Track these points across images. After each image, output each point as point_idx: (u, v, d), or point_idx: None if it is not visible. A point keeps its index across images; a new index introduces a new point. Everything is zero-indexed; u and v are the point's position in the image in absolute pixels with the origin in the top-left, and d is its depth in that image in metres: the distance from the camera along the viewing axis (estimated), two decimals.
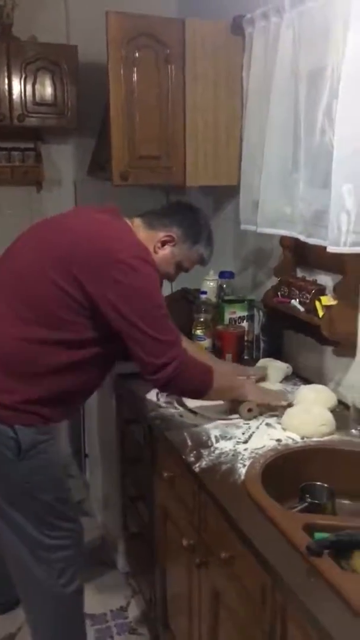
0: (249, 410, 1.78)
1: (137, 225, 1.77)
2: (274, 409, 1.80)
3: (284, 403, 1.80)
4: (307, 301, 1.90)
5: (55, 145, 3.07)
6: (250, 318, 2.35)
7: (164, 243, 1.78)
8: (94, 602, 2.30)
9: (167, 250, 1.79)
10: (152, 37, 2.16)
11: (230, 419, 1.78)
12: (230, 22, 2.22)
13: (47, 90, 2.72)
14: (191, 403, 1.85)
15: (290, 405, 1.79)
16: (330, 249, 1.64)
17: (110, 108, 2.17)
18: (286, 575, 1.13)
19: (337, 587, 1.06)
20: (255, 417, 1.78)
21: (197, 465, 1.53)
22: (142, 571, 2.19)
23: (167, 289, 3.08)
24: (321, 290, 1.90)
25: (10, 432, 1.64)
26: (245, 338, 2.32)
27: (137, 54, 2.16)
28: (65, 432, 3.33)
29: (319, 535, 1.21)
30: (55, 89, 2.73)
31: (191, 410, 1.83)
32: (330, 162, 1.61)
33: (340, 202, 1.60)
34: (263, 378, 2.03)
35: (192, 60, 2.22)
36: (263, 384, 2.01)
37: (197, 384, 1.70)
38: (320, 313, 1.82)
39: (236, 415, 1.79)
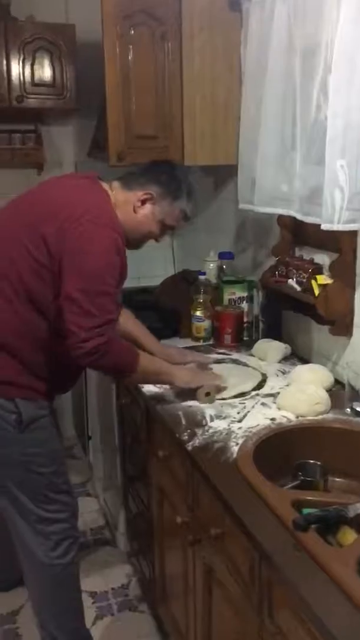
0: (207, 394, 1.75)
1: (115, 188, 1.77)
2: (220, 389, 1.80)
3: (218, 382, 1.80)
4: (304, 280, 1.89)
5: (56, 127, 3.06)
6: (250, 299, 2.33)
7: (143, 202, 1.75)
8: (96, 580, 2.34)
9: (147, 209, 1.76)
10: (147, 13, 2.13)
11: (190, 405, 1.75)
12: None
13: (46, 70, 2.71)
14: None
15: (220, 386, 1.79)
16: (325, 226, 1.62)
17: (106, 87, 2.16)
18: (273, 550, 1.14)
19: (320, 561, 1.07)
20: (212, 401, 1.75)
21: (190, 443, 1.54)
22: (142, 550, 2.22)
23: (170, 270, 3.09)
24: (318, 269, 1.88)
25: (11, 405, 1.67)
26: (245, 319, 2.32)
27: (132, 32, 2.14)
28: (69, 413, 3.37)
29: (306, 511, 1.21)
30: (54, 70, 2.71)
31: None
32: (325, 139, 1.59)
33: (334, 178, 1.58)
34: (205, 365, 1.98)
35: (189, 37, 2.19)
36: (261, 363, 2.01)
37: (120, 363, 1.68)
38: (317, 292, 1.81)
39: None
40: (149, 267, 2.95)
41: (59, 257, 1.60)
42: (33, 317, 1.67)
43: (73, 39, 2.71)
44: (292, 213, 1.87)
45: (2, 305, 1.67)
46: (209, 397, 1.76)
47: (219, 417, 1.67)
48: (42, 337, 1.69)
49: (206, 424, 1.63)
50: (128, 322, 1.99)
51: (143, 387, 1.88)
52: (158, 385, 1.87)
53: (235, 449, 1.49)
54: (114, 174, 2.33)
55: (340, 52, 1.53)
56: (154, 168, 1.81)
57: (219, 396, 1.78)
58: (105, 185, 1.77)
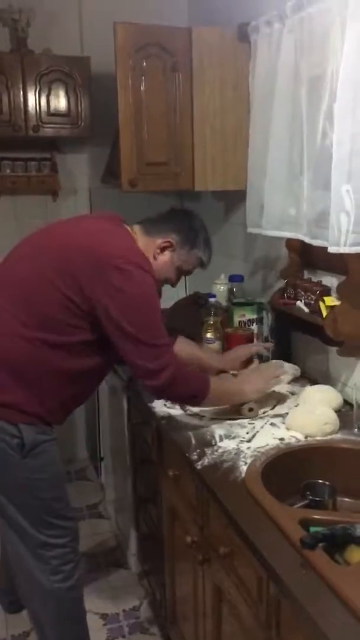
0: (250, 409, 1.81)
1: (136, 232, 1.82)
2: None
3: (284, 371, 1.92)
4: (312, 302, 1.92)
5: (71, 155, 3.15)
6: (260, 321, 2.36)
7: (163, 249, 1.82)
8: (107, 602, 2.34)
9: (166, 255, 1.83)
10: (159, 46, 2.21)
11: (235, 418, 1.80)
12: (236, 30, 2.25)
13: (61, 101, 2.80)
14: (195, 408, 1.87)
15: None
16: (331, 249, 1.65)
17: (119, 116, 2.23)
18: (280, 568, 1.15)
19: (328, 579, 1.08)
20: (256, 415, 1.81)
21: (199, 463, 1.56)
22: (153, 571, 2.22)
23: (181, 292, 3.13)
24: (326, 291, 1.91)
25: (14, 430, 1.69)
26: (255, 340, 2.34)
27: (144, 63, 2.21)
28: (82, 436, 3.39)
29: (314, 529, 1.23)
30: (69, 100, 2.81)
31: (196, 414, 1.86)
32: (331, 164, 1.63)
33: (340, 202, 1.61)
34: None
35: (199, 68, 2.27)
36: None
37: (193, 389, 1.73)
38: (324, 313, 1.84)
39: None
40: (162, 291, 2.98)
41: (96, 297, 1.63)
42: (48, 345, 1.69)
43: (88, 71, 2.80)
44: (300, 236, 1.91)
45: (16, 331, 1.69)
46: (252, 412, 1.82)
47: (228, 437, 1.69)
48: (56, 365, 1.71)
49: (215, 444, 1.65)
50: (183, 346, 2.02)
51: (154, 408, 1.91)
52: (168, 405, 1.91)
53: (244, 468, 1.51)
54: (127, 201, 2.43)
55: (345, 80, 1.57)
56: (174, 216, 1.88)
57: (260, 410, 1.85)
58: (128, 228, 1.82)
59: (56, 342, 1.69)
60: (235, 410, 1.83)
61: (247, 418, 1.80)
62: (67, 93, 2.79)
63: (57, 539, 1.79)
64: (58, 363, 1.71)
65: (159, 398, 1.86)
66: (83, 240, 1.72)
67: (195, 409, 1.86)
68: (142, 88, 2.23)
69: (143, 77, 2.22)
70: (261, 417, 1.82)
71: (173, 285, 1.93)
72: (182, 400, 1.82)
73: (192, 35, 2.25)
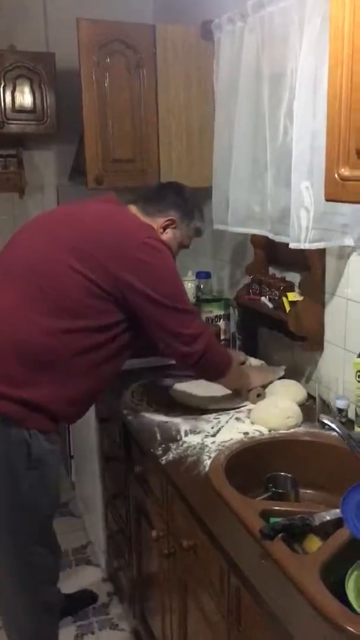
0: (258, 395, 1.87)
1: (135, 214, 1.79)
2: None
3: (281, 373, 1.98)
4: (276, 298, 1.94)
5: (37, 152, 3.12)
6: (227, 317, 2.39)
7: (165, 227, 1.81)
8: None
9: (169, 233, 1.82)
10: (122, 42, 2.21)
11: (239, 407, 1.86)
12: (200, 28, 2.26)
13: (26, 97, 2.77)
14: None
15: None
16: (292, 245, 1.68)
17: (83, 113, 2.22)
18: (240, 559, 1.17)
19: (285, 568, 1.10)
20: (263, 398, 1.88)
21: (164, 458, 1.57)
22: (122, 568, 2.22)
23: None
24: (289, 287, 1.94)
25: (25, 434, 1.60)
26: (222, 336, 2.36)
27: (108, 60, 2.21)
28: None
29: (273, 520, 1.25)
30: (34, 96, 2.78)
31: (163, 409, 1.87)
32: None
33: (300, 199, 1.64)
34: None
35: (163, 65, 2.27)
36: None
37: (225, 360, 1.77)
38: (287, 309, 1.86)
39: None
40: None
41: (123, 275, 1.61)
42: (68, 333, 1.62)
43: (53, 67, 2.78)
44: (264, 233, 1.93)
45: (34, 321, 1.62)
46: (260, 397, 1.87)
47: (193, 432, 1.71)
48: (76, 354, 1.64)
49: (181, 439, 1.67)
50: None
51: (121, 405, 1.92)
52: (135, 402, 1.91)
53: (208, 462, 1.52)
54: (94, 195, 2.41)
55: (303, 79, 1.60)
56: (167, 192, 1.85)
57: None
58: (130, 210, 1.80)
59: (75, 328, 1.62)
60: (241, 396, 1.89)
61: (253, 403, 1.85)
62: (32, 89, 2.76)
63: (42, 557, 1.74)
64: (77, 352, 1.63)
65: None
66: (98, 222, 1.70)
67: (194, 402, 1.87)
68: (106, 84, 2.23)
69: (107, 74, 2.22)
70: (226, 412, 1.83)
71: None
72: (214, 370, 1.77)
73: (156, 32, 2.25)
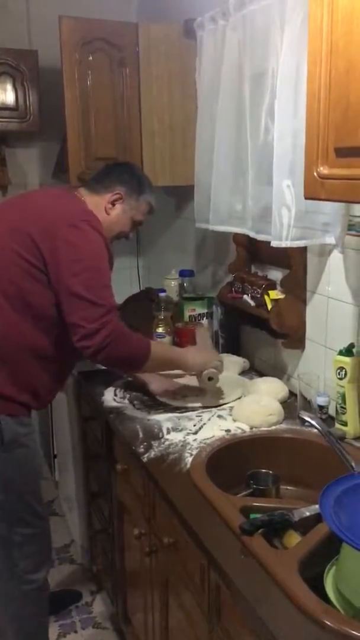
0: (210, 379, 1.85)
1: (84, 194, 1.84)
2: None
3: (220, 361, 1.91)
4: (258, 296, 1.95)
5: (20, 149, 3.10)
6: (210, 315, 2.39)
7: (113, 203, 1.84)
8: None
9: (117, 209, 1.85)
10: (105, 41, 2.21)
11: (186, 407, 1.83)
12: (183, 26, 2.27)
13: (9, 95, 2.75)
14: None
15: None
16: (274, 243, 1.69)
17: (66, 110, 2.22)
18: (220, 555, 1.17)
19: (264, 563, 1.10)
20: (214, 386, 1.86)
21: (145, 455, 1.57)
22: (105, 566, 2.22)
23: (135, 288, 3.13)
24: (271, 285, 1.95)
25: None
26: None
27: (91, 58, 2.21)
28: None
29: (253, 516, 1.25)
30: (16, 94, 2.76)
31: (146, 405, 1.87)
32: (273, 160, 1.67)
33: (282, 197, 1.65)
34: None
35: (146, 63, 2.27)
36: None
37: (133, 352, 1.70)
38: (269, 306, 1.87)
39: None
40: (116, 287, 2.97)
41: (50, 253, 1.65)
42: (28, 324, 1.68)
43: (35, 64, 2.76)
44: (246, 231, 1.94)
45: None
46: (212, 381, 1.85)
47: (175, 429, 1.71)
48: (38, 345, 1.71)
49: (162, 437, 1.67)
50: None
51: (103, 403, 1.92)
52: (118, 400, 1.91)
53: (190, 460, 1.53)
54: None
55: (284, 78, 1.61)
56: (113, 169, 1.90)
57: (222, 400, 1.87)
58: (75, 194, 1.85)
59: (29, 314, 1.67)
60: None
61: (208, 389, 1.85)
62: (14, 87, 2.75)
63: (30, 538, 1.75)
64: (36, 336, 1.69)
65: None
66: (37, 203, 1.78)
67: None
68: (88, 82, 2.22)
69: (89, 72, 2.22)
70: (209, 410, 1.84)
71: (127, 237, 1.95)
72: (122, 362, 1.76)
73: (139, 30, 2.25)
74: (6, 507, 1.71)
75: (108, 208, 1.84)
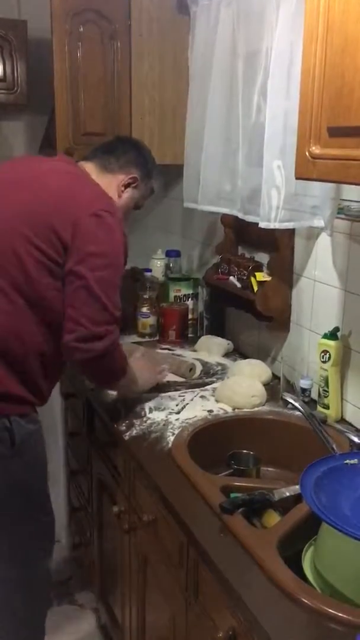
0: (190, 369, 1.90)
1: (92, 171, 1.65)
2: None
3: (165, 369, 1.88)
4: (245, 278, 1.95)
5: (7, 122, 3.03)
6: (195, 296, 2.38)
7: (127, 186, 1.68)
8: None
9: (129, 192, 1.69)
10: (96, 12, 2.15)
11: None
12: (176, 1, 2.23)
13: None
14: None
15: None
16: (262, 224, 1.67)
17: (54, 83, 2.17)
18: (199, 533, 1.18)
19: (243, 542, 1.11)
20: (194, 375, 1.92)
21: (127, 434, 1.57)
22: (83, 544, 2.23)
23: None
24: (258, 267, 1.94)
25: (6, 422, 1.50)
26: (190, 316, 2.36)
27: (81, 29, 2.15)
28: None
29: (234, 495, 1.26)
30: (4, 64, 2.69)
31: None
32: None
33: (271, 178, 1.63)
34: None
35: (138, 38, 2.22)
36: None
37: (118, 369, 1.58)
38: (255, 289, 1.87)
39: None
40: None
41: (71, 245, 1.46)
42: (38, 321, 1.50)
43: (24, 35, 2.69)
44: (234, 212, 1.92)
45: (3, 307, 1.48)
46: (192, 371, 1.90)
47: (158, 409, 1.71)
48: (46, 345, 1.53)
49: (145, 415, 1.66)
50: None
51: (85, 380, 1.90)
52: None
53: (171, 439, 1.53)
54: None
55: (278, 57, 1.58)
56: (126, 147, 1.72)
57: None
58: (87, 171, 1.65)
59: (30, 305, 1.48)
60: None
61: (189, 379, 1.87)
62: (2, 57, 2.67)
63: (40, 534, 1.66)
64: (40, 330, 1.51)
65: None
66: (51, 187, 1.54)
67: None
68: (78, 55, 2.17)
69: (80, 43, 2.16)
70: (192, 390, 1.83)
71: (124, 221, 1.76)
72: (111, 374, 1.60)
73: (131, 3, 2.20)
74: (18, 511, 1.59)
75: (120, 191, 1.67)
